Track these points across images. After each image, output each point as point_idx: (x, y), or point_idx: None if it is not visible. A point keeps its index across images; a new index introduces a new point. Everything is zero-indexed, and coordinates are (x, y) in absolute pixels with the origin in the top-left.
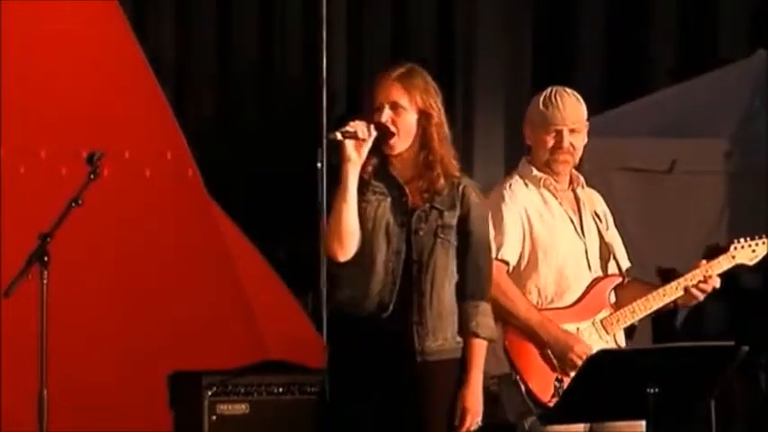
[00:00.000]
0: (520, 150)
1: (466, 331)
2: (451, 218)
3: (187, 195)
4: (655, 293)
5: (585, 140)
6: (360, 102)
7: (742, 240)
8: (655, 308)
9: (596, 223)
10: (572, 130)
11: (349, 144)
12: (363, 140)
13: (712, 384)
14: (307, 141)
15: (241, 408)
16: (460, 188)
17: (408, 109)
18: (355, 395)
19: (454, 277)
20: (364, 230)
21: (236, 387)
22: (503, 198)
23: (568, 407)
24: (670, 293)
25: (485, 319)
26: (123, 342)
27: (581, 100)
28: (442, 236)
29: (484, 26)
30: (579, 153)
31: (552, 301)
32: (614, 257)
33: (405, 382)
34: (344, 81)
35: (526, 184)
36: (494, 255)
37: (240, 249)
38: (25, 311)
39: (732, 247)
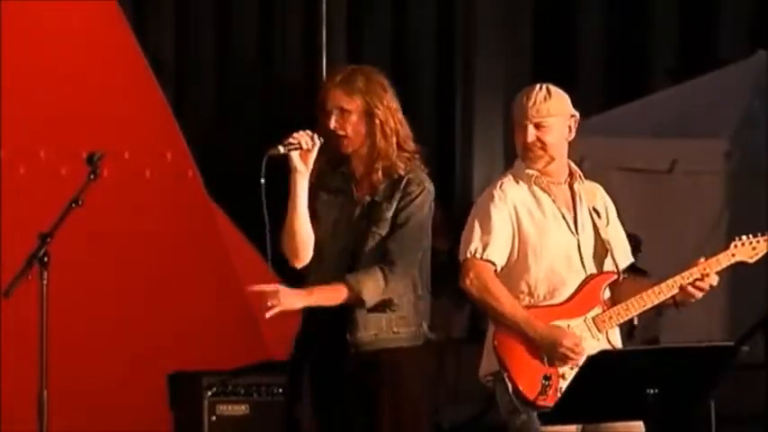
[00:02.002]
0: None
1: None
2: (387, 210)
3: (187, 195)
4: (650, 291)
5: (566, 135)
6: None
7: (743, 238)
8: (649, 305)
9: (593, 219)
10: (537, 125)
11: (295, 155)
12: (308, 150)
13: (712, 384)
14: None
15: (241, 408)
16: (403, 181)
17: (353, 111)
18: (299, 393)
19: None
20: (317, 229)
21: (236, 387)
22: (492, 198)
23: (568, 407)
24: (665, 291)
25: (363, 274)
26: (123, 342)
27: (555, 94)
28: (375, 229)
29: (484, 26)
30: (554, 148)
31: (545, 298)
32: (611, 255)
33: (340, 376)
34: None
35: (518, 182)
36: (479, 255)
37: (239, 249)
38: (25, 311)
39: (732, 245)
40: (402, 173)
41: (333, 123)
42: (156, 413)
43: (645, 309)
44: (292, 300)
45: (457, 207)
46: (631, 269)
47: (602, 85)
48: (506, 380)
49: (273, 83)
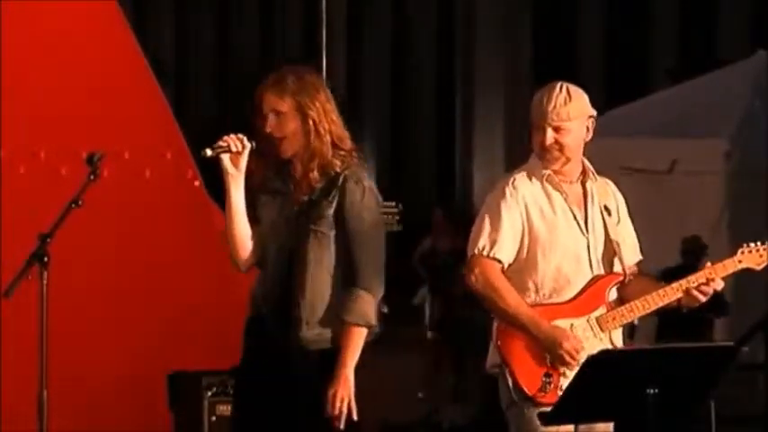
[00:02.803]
0: (520, 150)
1: (339, 318)
2: (327, 208)
3: (187, 195)
4: (654, 294)
5: (583, 136)
6: (360, 102)
7: (751, 245)
8: (654, 308)
9: (604, 218)
10: (556, 128)
11: (225, 158)
12: (239, 153)
13: (712, 384)
14: None
15: None
16: (340, 178)
17: (287, 113)
18: (244, 391)
19: (332, 267)
20: (261, 231)
21: None
22: (503, 195)
23: (568, 407)
24: (670, 294)
25: (354, 304)
26: (123, 342)
27: (575, 96)
28: (314, 227)
29: (484, 26)
30: (571, 150)
31: (550, 297)
32: (618, 256)
33: (282, 374)
34: (344, 81)
35: (531, 179)
36: (486, 252)
37: None
38: (25, 311)
39: (739, 252)
40: (338, 170)
41: (269, 127)
42: (156, 413)
43: (649, 311)
44: (347, 385)
45: (457, 207)
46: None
47: (602, 85)
48: (507, 374)
49: None
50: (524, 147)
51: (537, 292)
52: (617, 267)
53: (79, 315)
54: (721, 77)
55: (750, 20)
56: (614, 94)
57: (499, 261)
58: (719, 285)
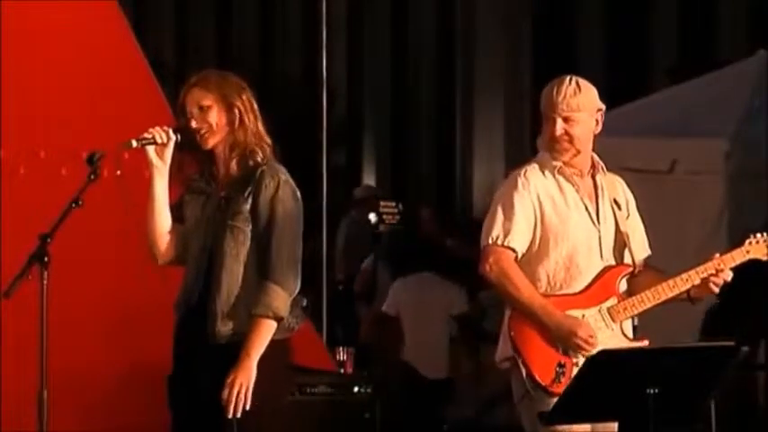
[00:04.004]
0: (520, 150)
1: (248, 310)
2: (243, 203)
3: None
4: (665, 284)
5: (593, 129)
6: (360, 101)
7: (758, 236)
8: (664, 298)
9: (614, 211)
10: (566, 119)
11: (150, 150)
12: (164, 145)
13: (712, 384)
14: (307, 141)
15: None
16: (257, 173)
17: (211, 105)
18: (179, 386)
19: (248, 262)
20: (185, 232)
21: None
22: (516, 185)
23: (568, 407)
24: (680, 285)
25: (264, 297)
26: (123, 342)
27: (585, 88)
28: (231, 222)
29: (484, 26)
30: (581, 141)
31: (561, 287)
32: (628, 248)
33: (200, 368)
34: (344, 81)
35: (543, 172)
36: (500, 241)
37: None
38: (25, 311)
39: (747, 242)
40: (259, 160)
41: (194, 122)
42: (156, 413)
43: (659, 301)
44: (247, 376)
45: (457, 207)
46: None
47: (602, 85)
48: (521, 365)
49: (273, 83)
50: (524, 146)
51: (548, 282)
52: (627, 259)
53: (79, 315)
54: (721, 77)
55: (750, 20)
56: (614, 94)
57: (513, 250)
58: (729, 276)
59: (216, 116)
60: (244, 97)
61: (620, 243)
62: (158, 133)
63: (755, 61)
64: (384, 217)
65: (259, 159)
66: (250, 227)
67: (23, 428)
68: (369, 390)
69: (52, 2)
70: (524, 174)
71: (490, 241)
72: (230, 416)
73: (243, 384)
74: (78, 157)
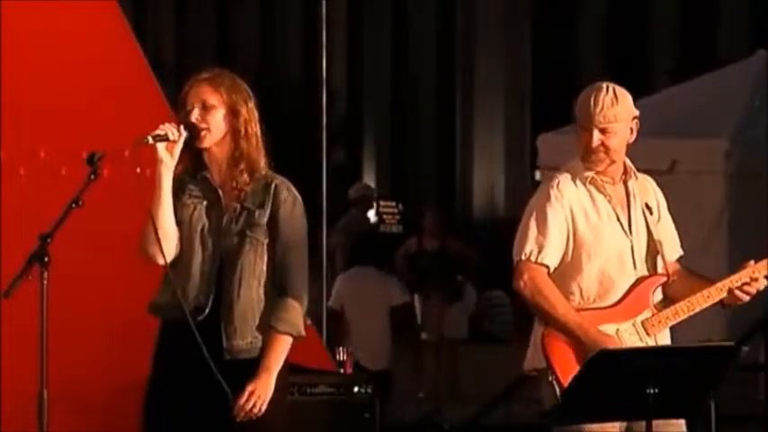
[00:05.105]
0: (520, 150)
1: (266, 325)
2: (261, 216)
3: None
4: (699, 295)
5: (627, 138)
6: (360, 102)
7: None
8: (698, 309)
9: (646, 218)
10: (602, 130)
11: (161, 147)
12: (174, 142)
13: (712, 384)
14: (307, 141)
15: None
16: (272, 187)
17: (217, 106)
18: (173, 397)
19: (263, 276)
20: (181, 235)
21: None
22: (549, 198)
23: (568, 407)
24: (714, 295)
25: (286, 314)
26: (123, 342)
27: (621, 98)
28: (250, 234)
29: (484, 26)
30: (617, 152)
31: (594, 301)
32: (661, 255)
33: (212, 383)
34: (344, 81)
35: (575, 182)
36: (534, 258)
37: None
38: (25, 311)
39: None
40: (264, 173)
41: (194, 115)
42: None
43: (693, 312)
44: (265, 389)
45: (457, 207)
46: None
47: None
48: (554, 382)
49: (273, 83)
50: (524, 146)
51: (581, 295)
52: (660, 266)
53: (79, 315)
54: (721, 77)
55: (750, 20)
56: None
57: (546, 266)
58: (763, 284)
59: (219, 118)
60: (250, 106)
61: (653, 251)
62: (171, 130)
63: (755, 61)
64: (384, 217)
65: (264, 172)
66: (267, 240)
67: (23, 428)
68: (369, 390)
69: (52, 2)
70: (557, 186)
71: (524, 257)
72: (238, 420)
73: (261, 397)
74: (78, 157)
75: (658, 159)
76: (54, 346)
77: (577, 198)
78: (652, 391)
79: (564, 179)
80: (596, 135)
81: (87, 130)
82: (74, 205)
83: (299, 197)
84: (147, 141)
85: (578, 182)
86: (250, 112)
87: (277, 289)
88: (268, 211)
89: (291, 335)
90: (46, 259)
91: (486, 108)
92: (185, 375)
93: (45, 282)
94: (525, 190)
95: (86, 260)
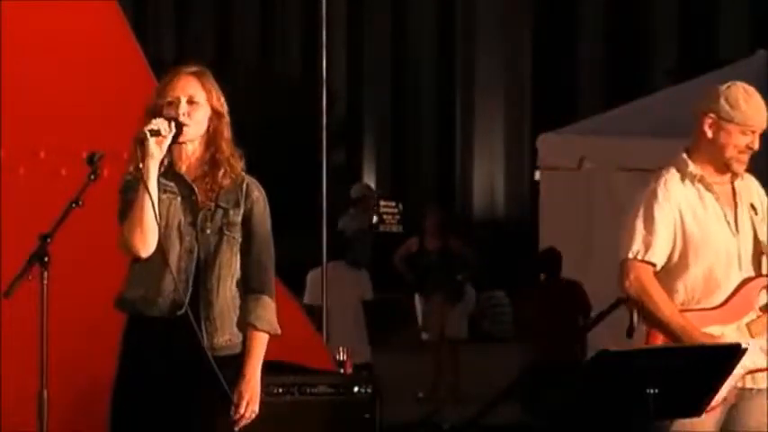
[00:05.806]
0: (519, 149)
1: (245, 323)
2: (236, 215)
3: None
4: None
5: None
6: (360, 102)
7: None
8: None
9: (751, 218)
10: (754, 132)
11: (152, 141)
12: (164, 137)
13: (712, 384)
14: (307, 141)
15: None
16: (244, 186)
17: (202, 104)
18: (147, 393)
19: (237, 273)
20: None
21: None
22: (656, 196)
23: (569, 407)
24: None
25: (264, 312)
26: None
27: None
28: (227, 233)
29: (484, 26)
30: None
31: (699, 301)
32: (766, 255)
33: (196, 379)
34: (344, 81)
35: (682, 179)
36: (641, 256)
37: None
38: (25, 311)
39: None
40: (239, 172)
41: (182, 109)
42: None
43: None
44: (256, 390)
45: (457, 207)
46: None
47: (602, 86)
48: None
49: (273, 83)
50: (524, 146)
51: (686, 294)
52: (764, 267)
53: (79, 315)
54: (721, 77)
55: (750, 20)
56: (614, 94)
57: (653, 264)
58: None
59: (202, 116)
60: (225, 107)
61: (758, 251)
62: (163, 126)
63: (755, 61)
64: (384, 217)
65: (238, 171)
66: (241, 239)
67: (23, 428)
68: (369, 390)
69: (52, 2)
70: (664, 184)
71: (630, 255)
72: (238, 427)
73: (253, 398)
74: (78, 157)
75: (658, 159)
76: (54, 346)
77: (685, 196)
78: (652, 391)
79: (671, 177)
80: (757, 137)
81: (87, 130)
82: (74, 205)
83: (264, 195)
84: (146, 136)
85: (686, 180)
86: (226, 113)
87: (249, 287)
88: (242, 210)
89: (269, 333)
90: (46, 259)
91: (486, 108)
92: (159, 373)
93: (45, 282)
94: (525, 190)
95: (86, 260)
